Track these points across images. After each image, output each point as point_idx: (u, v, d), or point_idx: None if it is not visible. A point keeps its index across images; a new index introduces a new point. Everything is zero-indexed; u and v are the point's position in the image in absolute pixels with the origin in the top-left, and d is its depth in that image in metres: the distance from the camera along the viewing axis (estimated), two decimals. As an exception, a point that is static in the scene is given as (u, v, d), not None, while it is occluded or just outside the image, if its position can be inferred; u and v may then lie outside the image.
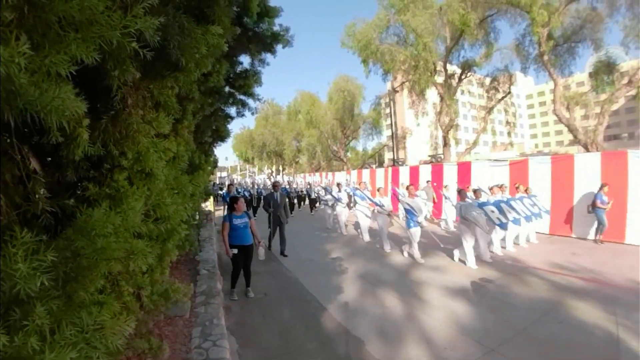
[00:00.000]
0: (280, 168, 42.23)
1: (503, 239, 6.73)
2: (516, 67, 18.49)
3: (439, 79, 18.75)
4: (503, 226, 6.15)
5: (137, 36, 1.07)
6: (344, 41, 19.02)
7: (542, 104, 59.43)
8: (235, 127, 64.10)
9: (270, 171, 39.78)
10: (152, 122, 1.85)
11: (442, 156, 19.61)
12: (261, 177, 29.21)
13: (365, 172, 17.06)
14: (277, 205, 7.04)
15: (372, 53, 18.06)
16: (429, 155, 23.73)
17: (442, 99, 18.28)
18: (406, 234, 6.56)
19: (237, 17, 3.53)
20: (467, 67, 18.31)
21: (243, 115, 6.39)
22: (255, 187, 15.88)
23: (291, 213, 12.92)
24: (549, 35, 14.49)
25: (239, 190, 15.40)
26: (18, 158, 1.13)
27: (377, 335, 3.52)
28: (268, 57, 5.19)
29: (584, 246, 7.08)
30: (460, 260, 6.03)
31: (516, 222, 6.51)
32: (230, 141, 37.63)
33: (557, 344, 3.21)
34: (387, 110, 27.72)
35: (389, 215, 7.09)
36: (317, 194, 14.50)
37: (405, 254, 6.61)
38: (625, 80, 14.19)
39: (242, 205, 4.75)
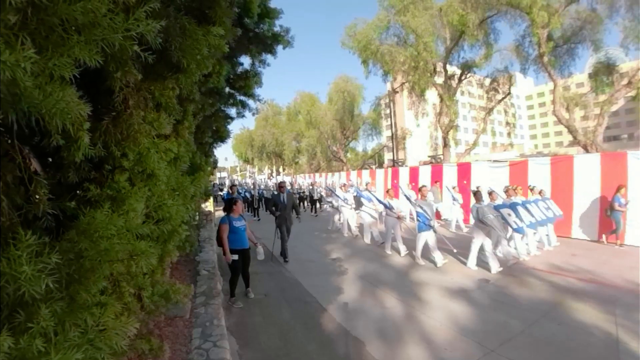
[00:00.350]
0: (280, 169, 42.21)
1: (526, 244, 6.37)
2: (516, 68, 18.52)
3: (439, 79, 18.77)
4: (520, 230, 5.93)
5: (139, 39, 1.08)
6: (344, 42, 19.09)
7: (542, 104, 59.46)
8: (235, 127, 64.30)
9: (270, 171, 39.76)
10: (153, 123, 1.85)
11: (441, 157, 19.64)
12: (261, 177, 29.22)
13: (365, 173, 17.05)
14: (285, 208, 6.55)
15: (372, 54, 18.09)
16: (429, 156, 23.77)
17: (441, 99, 18.30)
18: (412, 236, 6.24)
19: (237, 18, 3.55)
20: (466, 68, 18.31)
21: (243, 116, 6.41)
22: (257, 188, 15.85)
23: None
24: (548, 37, 14.53)
25: (239, 191, 15.39)
26: (19, 159, 1.13)
27: (377, 336, 3.52)
28: (268, 58, 5.22)
29: (583, 247, 7.09)
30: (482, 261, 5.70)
31: (532, 226, 6.28)
32: (230, 142, 37.63)
33: (556, 345, 3.21)
34: (387, 111, 27.75)
35: (398, 218, 6.80)
36: (321, 194, 14.41)
37: (422, 261, 6.13)
38: (624, 81, 14.22)
39: (240, 207, 4.63)
